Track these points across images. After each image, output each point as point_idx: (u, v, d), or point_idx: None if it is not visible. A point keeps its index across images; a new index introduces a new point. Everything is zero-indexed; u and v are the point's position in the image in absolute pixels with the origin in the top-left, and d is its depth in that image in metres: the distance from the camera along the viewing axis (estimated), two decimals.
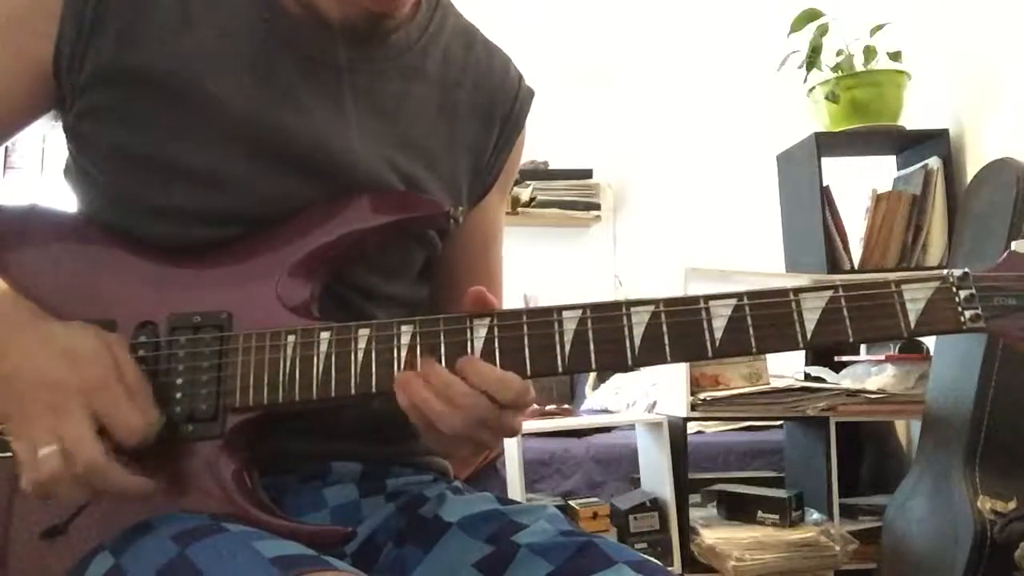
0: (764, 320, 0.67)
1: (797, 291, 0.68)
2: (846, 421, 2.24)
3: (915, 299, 0.67)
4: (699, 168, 3.61)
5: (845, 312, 0.67)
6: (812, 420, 2.25)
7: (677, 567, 2.12)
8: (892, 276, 0.69)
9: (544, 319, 0.69)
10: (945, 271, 0.68)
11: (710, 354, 0.68)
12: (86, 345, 0.67)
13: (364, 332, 0.70)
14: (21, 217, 0.79)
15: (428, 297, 0.92)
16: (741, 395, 2.17)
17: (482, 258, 0.94)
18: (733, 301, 0.68)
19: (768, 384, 2.22)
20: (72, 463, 0.63)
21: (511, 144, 0.92)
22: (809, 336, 0.67)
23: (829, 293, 0.67)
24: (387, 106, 0.82)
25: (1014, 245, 0.69)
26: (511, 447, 2.32)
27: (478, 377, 0.66)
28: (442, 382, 0.66)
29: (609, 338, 0.68)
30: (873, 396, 2.22)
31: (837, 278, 2.38)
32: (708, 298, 0.68)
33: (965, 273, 0.68)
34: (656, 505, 2.18)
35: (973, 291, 0.67)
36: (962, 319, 0.67)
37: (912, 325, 0.67)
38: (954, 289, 0.67)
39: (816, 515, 2.20)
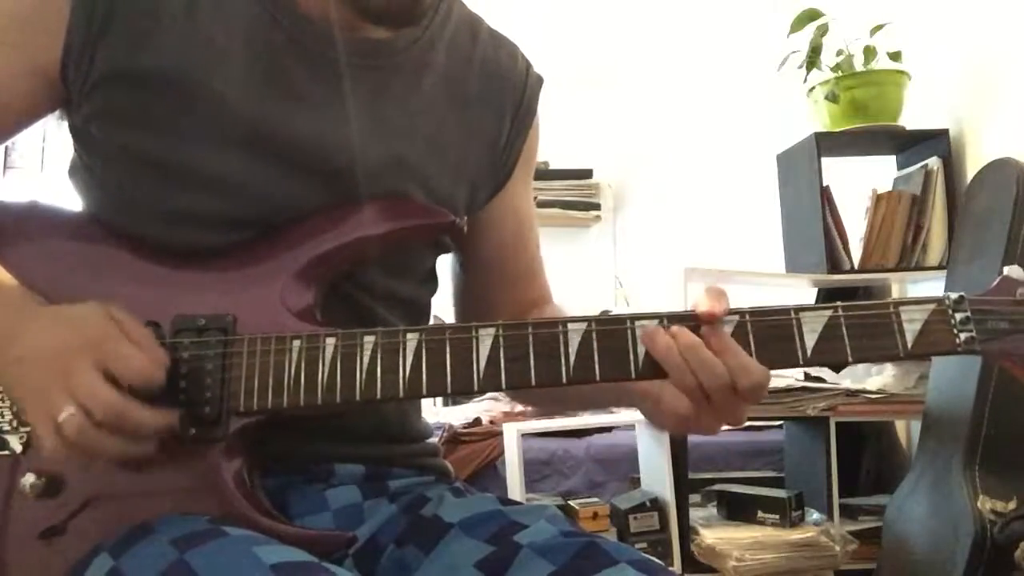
0: (765, 336, 0.69)
1: (798, 309, 0.69)
2: (846, 421, 2.24)
3: (912, 320, 0.69)
4: (699, 168, 3.61)
5: (844, 331, 0.69)
6: (812, 420, 2.25)
7: (677, 567, 2.12)
8: (891, 300, 0.71)
9: (549, 331, 0.69)
10: (942, 295, 0.70)
11: None
12: (84, 310, 0.68)
13: (370, 339, 0.70)
14: (23, 214, 0.78)
15: (472, 289, 0.95)
16: None
17: (522, 244, 0.96)
18: (735, 318, 0.69)
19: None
20: (91, 413, 0.63)
21: (525, 131, 0.92)
22: (809, 353, 0.69)
23: (829, 312, 0.69)
24: (396, 101, 0.82)
25: (1006, 271, 0.71)
26: (511, 447, 2.32)
27: (725, 351, 0.67)
28: (688, 341, 0.67)
29: (613, 350, 0.69)
30: (873, 396, 2.22)
31: (837, 278, 2.38)
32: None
33: (961, 297, 0.70)
34: (656, 505, 2.18)
35: (968, 314, 0.69)
36: (957, 341, 0.69)
37: (909, 345, 0.69)
38: (950, 312, 0.69)
39: (816, 515, 2.20)
